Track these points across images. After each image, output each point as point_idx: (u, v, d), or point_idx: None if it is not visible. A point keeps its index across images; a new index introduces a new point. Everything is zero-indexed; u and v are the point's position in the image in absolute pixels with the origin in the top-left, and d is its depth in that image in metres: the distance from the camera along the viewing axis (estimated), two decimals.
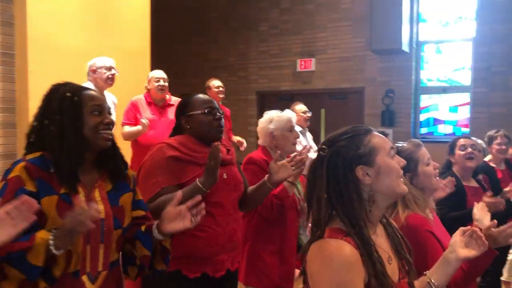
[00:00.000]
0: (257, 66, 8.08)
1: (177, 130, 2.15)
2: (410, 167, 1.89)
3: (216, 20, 8.37)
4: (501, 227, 1.81)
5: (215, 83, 5.44)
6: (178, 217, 1.53)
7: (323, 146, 1.32)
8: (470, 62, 6.67)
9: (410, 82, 6.96)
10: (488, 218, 2.10)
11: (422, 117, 7.07)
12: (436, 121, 6.99)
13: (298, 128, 3.39)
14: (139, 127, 3.95)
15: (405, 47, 6.69)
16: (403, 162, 1.36)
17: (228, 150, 2.19)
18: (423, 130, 7.01)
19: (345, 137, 1.31)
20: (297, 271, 2.71)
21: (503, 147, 4.03)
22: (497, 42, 6.35)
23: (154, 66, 4.68)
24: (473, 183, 3.13)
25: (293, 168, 2.18)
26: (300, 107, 5.26)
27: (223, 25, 8.31)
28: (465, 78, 6.79)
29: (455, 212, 2.74)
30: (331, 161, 1.29)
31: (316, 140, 5.51)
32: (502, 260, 4.19)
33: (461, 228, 1.54)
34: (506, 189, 3.12)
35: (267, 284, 2.57)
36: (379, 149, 1.30)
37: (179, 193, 1.59)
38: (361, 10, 7.08)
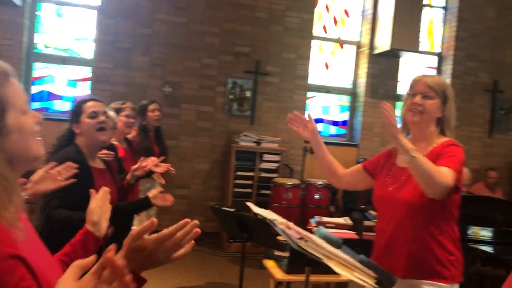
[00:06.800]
0: None
1: None
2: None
3: None
4: None
5: None
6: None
7: None
8: (94, 33, 5.95)
9: (21, 44, 5.66)
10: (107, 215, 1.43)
11: (35, 89, 5.88)
12: (52, 96, 5.94)
13: None
14: None
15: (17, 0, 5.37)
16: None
17: None
18: (36, 105, 5.81)
19: None
20: None
21: (131, 120, 3.68)
22: (123, 16, 5.88)
23: None
24: (99, 163, 2.34)
25: None
26: None
27: None
28: (88, 50, 6.03)
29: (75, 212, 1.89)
30: None
31: None
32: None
33: None
34: (134, 167, 2.66)
35: None
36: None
37: None
38: None
